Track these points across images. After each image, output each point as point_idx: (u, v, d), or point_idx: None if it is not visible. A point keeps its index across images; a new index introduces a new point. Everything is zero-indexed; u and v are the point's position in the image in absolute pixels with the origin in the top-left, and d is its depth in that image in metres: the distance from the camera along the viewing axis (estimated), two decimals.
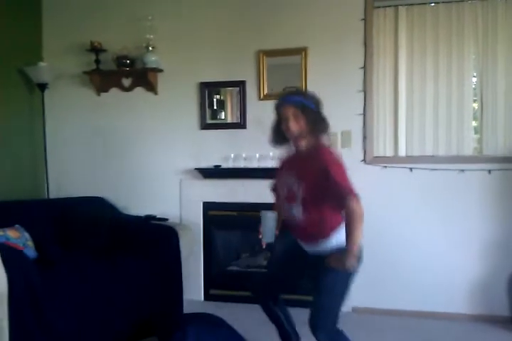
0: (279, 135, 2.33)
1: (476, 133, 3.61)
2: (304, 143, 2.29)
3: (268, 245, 2.48)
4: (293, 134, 2.25)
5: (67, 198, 3.88)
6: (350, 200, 2.08)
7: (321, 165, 2.16)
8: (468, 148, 3.58)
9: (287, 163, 2.42)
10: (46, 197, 4.14)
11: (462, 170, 3.50)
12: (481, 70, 3.56)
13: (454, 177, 3.52)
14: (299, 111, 2.22)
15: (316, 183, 2.19)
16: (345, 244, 2.16)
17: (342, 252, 2.15)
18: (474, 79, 3.59)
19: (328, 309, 2.26)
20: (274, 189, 2.55)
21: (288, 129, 2.24)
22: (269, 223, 2.36)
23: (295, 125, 2.22)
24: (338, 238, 2.23)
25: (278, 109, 2.30)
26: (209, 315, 3.10)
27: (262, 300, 2.57)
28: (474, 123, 3.61)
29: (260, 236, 2.42)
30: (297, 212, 2.26)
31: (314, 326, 2.24)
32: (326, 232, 2.25)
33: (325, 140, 2.30)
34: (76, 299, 2.81)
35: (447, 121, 3.60)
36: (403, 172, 3.61)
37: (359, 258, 2.19)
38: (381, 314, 3.60)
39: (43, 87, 4.09)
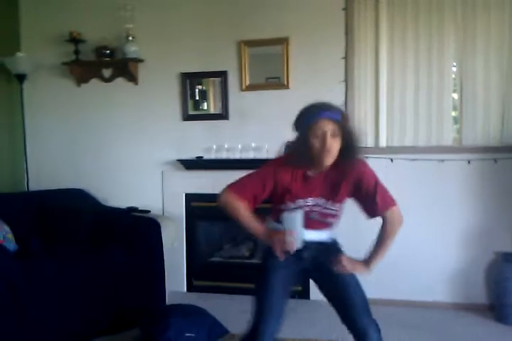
0: (305, 151, 1.96)
1: (455, 123, 3.64)
2: (329, 163, 1.97)
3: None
4: (327, 153, 1.92)
5: (47, 190, 3.83)
6: (397, 209, 2.07)
7: (354, 179, 2.04)
8: (448, 139, 3.60)
9: (298, 180, 2.02)
10: (26, 189, 4.10)
11: (442, 160, 3.53)
12: (460, 60, 3.57)
13: (433, 167, 3.55)
14: (337, 130, 1.92)
15: (348, 197, 2.09)
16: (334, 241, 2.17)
17: (356, 263, 2.10)
18: (454, 69, 3.61)
19: (367, 302, 2.09)
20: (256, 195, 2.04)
21: (324, 147, 1.91)
22: (299, 225, 1.96)
23: (332, 143, 1.91)
24: (333, 233, 2.20)
25: (313, 121, 1.93)
26: (192, 306, 3.12)
27: None
28: (454, 114, 3.64)
29: (289, 243, 1.91)
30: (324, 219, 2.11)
31: (370, 323, 2.05)
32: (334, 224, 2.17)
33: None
34: (56, 291, 2.81)
35: (427, 112, 3.61)
36: (384, 163, 3.62)
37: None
38: None
39: (21, 78, 4.04)
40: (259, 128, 3.83)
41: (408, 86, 3.64)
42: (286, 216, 1.96)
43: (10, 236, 3.19)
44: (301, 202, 2.03)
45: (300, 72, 3.77)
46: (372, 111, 3.72)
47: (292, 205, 2.03)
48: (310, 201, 2.04)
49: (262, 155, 3.76)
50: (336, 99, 3.69)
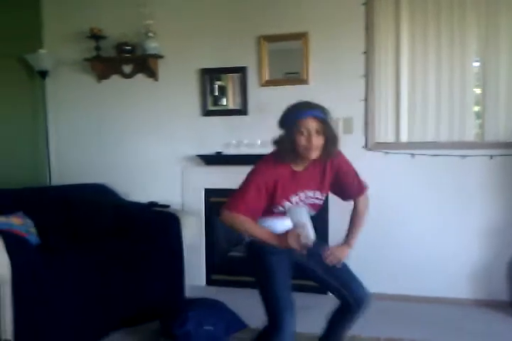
0: (289, 147, 2.07)
1: (477, 118, 3.59)
2: (314, 158, 2.10)
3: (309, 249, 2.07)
4: (313, 150, 2.05)
5: (69, 185, 3.88)
6: (366, 193, 2.36)
7: (336, 168, 2.23)
8: (470, 134, 3.55)
9: (288, 177, 2.13)
10: (48, 184, 4.16)
11: (464, 156, 3.49)
12: (483, 56, 3.52)
13: (455, 163, 3.51)
14: (321, 127, 2.05)
15: (330, 187, 2.27)
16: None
17: (341, 247, 2.31)
18: (477, 65, 3.56)
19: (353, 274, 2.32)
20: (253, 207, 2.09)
21: (310, 144, 2.04)
22: (307, 217, 2.02)
23: (317, 140, 2.05)
24: None
25: (298, 118, 2.05)
26: (210, 299, 3.14)
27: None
28: (476, 109, 3.58)
29: (306, 237, 1.96)
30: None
31: (368, 294, 2.26)
32: None
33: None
34: (79, 284, 2.85)
35: (449, 107, 3.56)
36: (405, 158, 3.60)
37: None
38: (381, 299, 3.61)
39: (43, 74, 4.11)
40: None
41: (430, 81, 3.60)
42: (293, 211, 2.04)
43: (33, 230, 3.25)
44: (293, 196, 2.14)
45: (319, 67, 3.75)
46: (393, 106, 3.68)
47: (285, 201, 2.13)
48: (301, 194, 2.16)
49: None
50: (357, 94, 3.69)
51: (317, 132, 2.05)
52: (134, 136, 4.18)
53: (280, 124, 2.14)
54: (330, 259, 2.23)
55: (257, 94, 3.90)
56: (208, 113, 4.02)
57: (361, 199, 2.35)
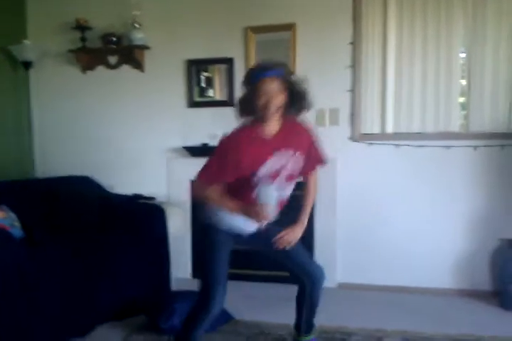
0: (250, 108, 2.11)
1: (463, 109, 3.59)
2: (276, 119, 2.14)
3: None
4: (271, 110, 2.07)
5: (53, 178, 3.84)
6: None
7: (308, 139, 2.27)
8: (455, 125, 3.56)
9: (259, 141, 2.15)
10: (32, 176, 4.13)
11: (448, 147, 3.50)
12: (469, 47, 3.52)
13: (440, 153, 3.52)
14: (281, 85, 2.06)
15: (305, 157, 2.26)
16: None
17: (294, 227, 2.33)
18: (463, 56, 3.55)
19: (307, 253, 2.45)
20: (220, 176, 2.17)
21: (268, 105, 2.05)
22: (274, 198, 2.13)
23: (276, 100, 2.06)
24: None
25: (256, 80, 2.06)
26: (197, 292, 3.12)
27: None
28: (461, 100, 3.59)
29: (267, 215, 2.12)
30: (288, 190, 2.27)
31: (323, 271, 2.37)
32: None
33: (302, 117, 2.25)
34: (64, 278, 2.83)
35: (435, 98, 3.56)
36: (390, 149, 3.61)
37: None
38: (366, 290, 3.65)
39: (28, 65, 4.06)
40: None
41: (416, 72, 3.59)
42: (261, 190, 2.11)
43: (16, 223, 3.21)
44: (269, 160, 2.14)
45: (307, 58, 3.73)
46: (379, 97, 3.67)
47: (261, 167, 2.13)
48: (278, 156, 2.15)
49: None
50: (343, 85, 3.68)
51: (277, 92, 2.06)
52: (119, 127, 4.14)
53: (242, 85, 2.17)
54: (280, 243, 2.29)
55: None
56: (194, 104, 4.00)
57: (314, 175, 2.38)
